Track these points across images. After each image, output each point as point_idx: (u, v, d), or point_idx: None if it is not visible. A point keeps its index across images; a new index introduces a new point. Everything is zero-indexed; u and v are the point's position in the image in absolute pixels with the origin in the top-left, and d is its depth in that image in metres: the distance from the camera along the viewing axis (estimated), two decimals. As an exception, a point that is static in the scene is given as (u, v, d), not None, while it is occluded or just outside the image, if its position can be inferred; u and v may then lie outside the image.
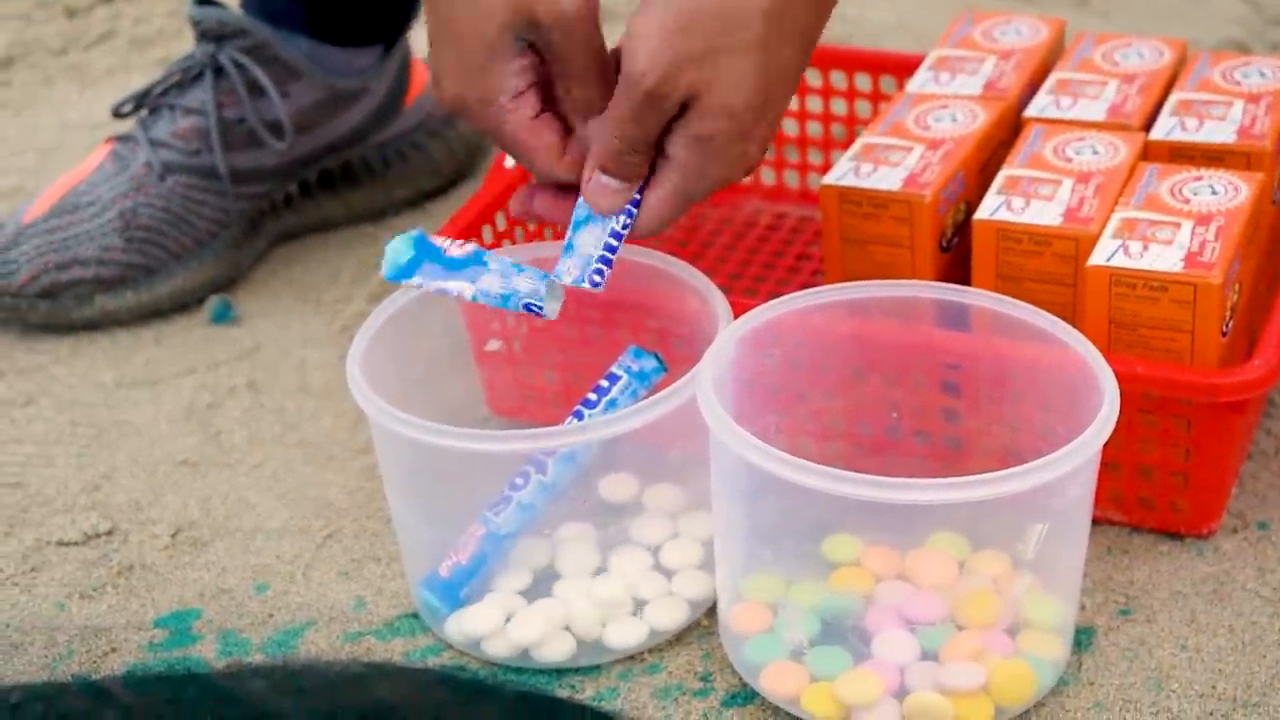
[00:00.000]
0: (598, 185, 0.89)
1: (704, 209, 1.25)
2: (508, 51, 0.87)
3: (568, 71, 0.88)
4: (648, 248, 0.97)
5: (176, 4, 1.61)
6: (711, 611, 0.94)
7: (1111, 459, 0.93)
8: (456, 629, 0.92)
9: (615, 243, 0.90)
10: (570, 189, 0.91)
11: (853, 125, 1.23)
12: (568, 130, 0.90)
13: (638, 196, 0.89)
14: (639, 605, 0.92)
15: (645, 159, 0.88)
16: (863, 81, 1.21)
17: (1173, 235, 0.92)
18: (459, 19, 0.87)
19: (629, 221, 0.90)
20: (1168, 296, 0.90)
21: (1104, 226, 0.94)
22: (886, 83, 1.20)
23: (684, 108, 0.86)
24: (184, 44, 1.54)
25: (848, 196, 0.99)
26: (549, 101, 0.90)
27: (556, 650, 0.91)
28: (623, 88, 0.85)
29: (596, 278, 0.90)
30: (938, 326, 0.93)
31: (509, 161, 1.10)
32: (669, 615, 0.92)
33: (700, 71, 0.84)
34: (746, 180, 1.14)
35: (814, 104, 1.24)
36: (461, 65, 0.88)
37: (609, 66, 0.88)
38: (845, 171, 1.00)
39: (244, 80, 1.22)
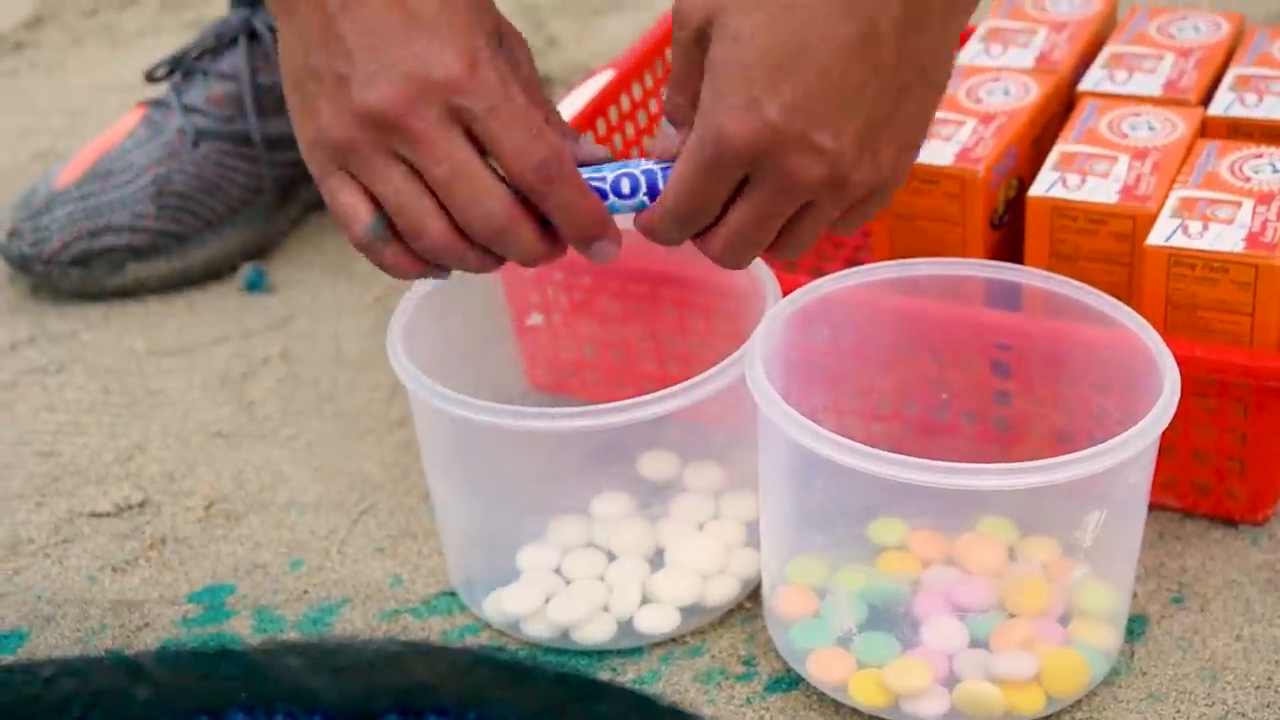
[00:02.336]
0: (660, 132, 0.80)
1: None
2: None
3: (507, 168, 0.78)
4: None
5: (208, -35, 1.59)
6: (754, 594, 0.92)
7: (1167, 443, 0.91)
8: (495, 608, 0.91)
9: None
10: None
11: (898, 96, 1.20)
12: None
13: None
14: (681, 584, 0.90)
15: (686, 101, 0.78)
16: (909, 52, 1.19)
17: (1233, 214, 0.90)
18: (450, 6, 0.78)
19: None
20: (1228, 278, 0.88)
21: (1162, 205, 0.92)
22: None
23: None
24: (215, 7, 1.52)
25: (898, 171, 0.97)
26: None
27: (597, 631, 0.90)
28: (690, 156, 0.77)
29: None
30: (989, 306, 0.91)
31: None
32: (715, 592, 0.90)
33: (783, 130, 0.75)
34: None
35: (859, 74, 1.21)
36: (453, 44, 0.77)
37: (547, 138, 0.78)
38: (895, 145, 0.98)
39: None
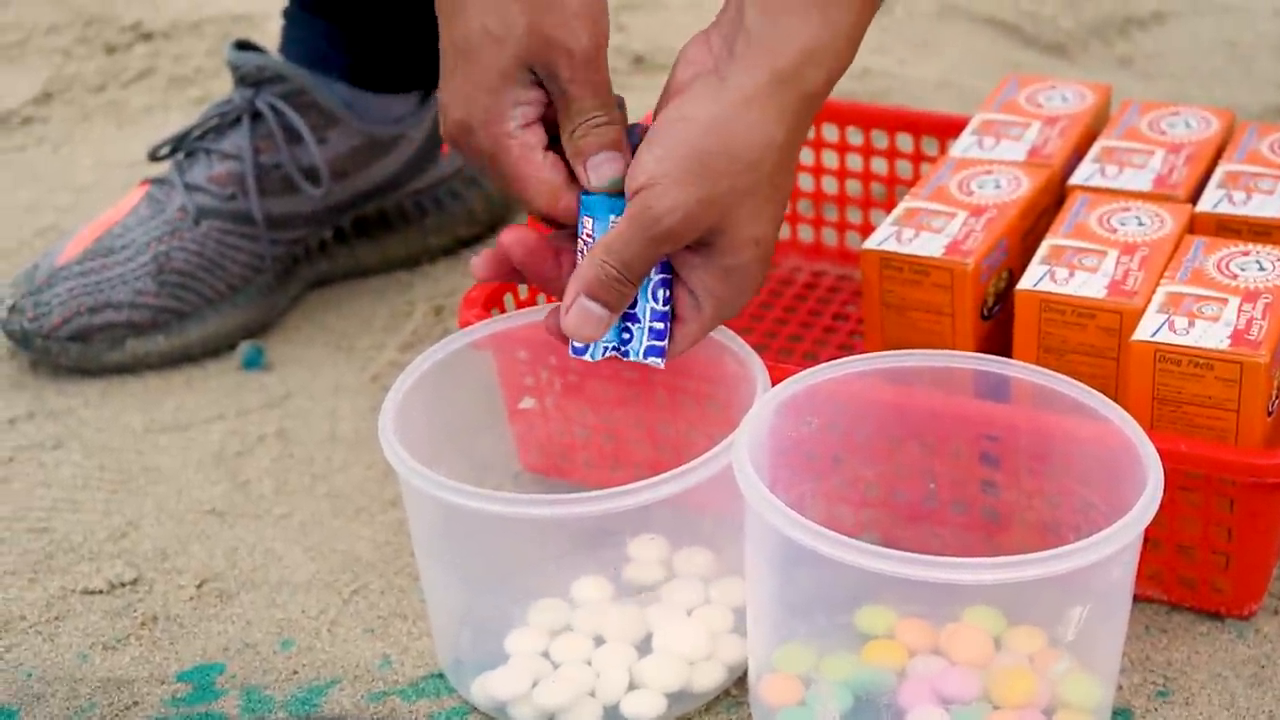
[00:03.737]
0: (582, 311, 0.87)
1: (741, 265, 1.24)
2: (520, 81, 0.87)
3: (571, 111, 0.87)
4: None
5: (215, 43, 1.61)
6: (741, 681, 0.93)
7: (1152, 537, 0.91)
8: (482, 691, 0.91)
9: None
10: (548, 242, 0.90)
11: (893, 185, 1.22)
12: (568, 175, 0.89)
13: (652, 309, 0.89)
14: (668, 670, 0.91)
15: (635, 289, 0.87)
16: (904, 141, 1.20)
17: (1219, 311, 0.91)
18: (473, 45, 0.86)
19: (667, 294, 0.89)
20: (1213, 374, 0.89)
21: (1149, 300, 0.93)
22: (928, 143, 1.19)
23: (701, 241, 0.86)
24: (223, 83, 1.54)
25: (889, 261, 0.98)
26: (553, 143, 0.89)
27: (584, 716, 0.90)
28: (634, 223, 0.85)
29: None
30: (978, 397, 0.91)
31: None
32: (702, 679, 0.90)
33: (721, 212, 0.84)
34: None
35: (854, 162, 1.23)
36: (471, 86, 0.87)
37: (613, 109, 0.88)
38: (887, 236, 0.99)
39: (281, 126, 1.22)
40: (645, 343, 0.88)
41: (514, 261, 0.90)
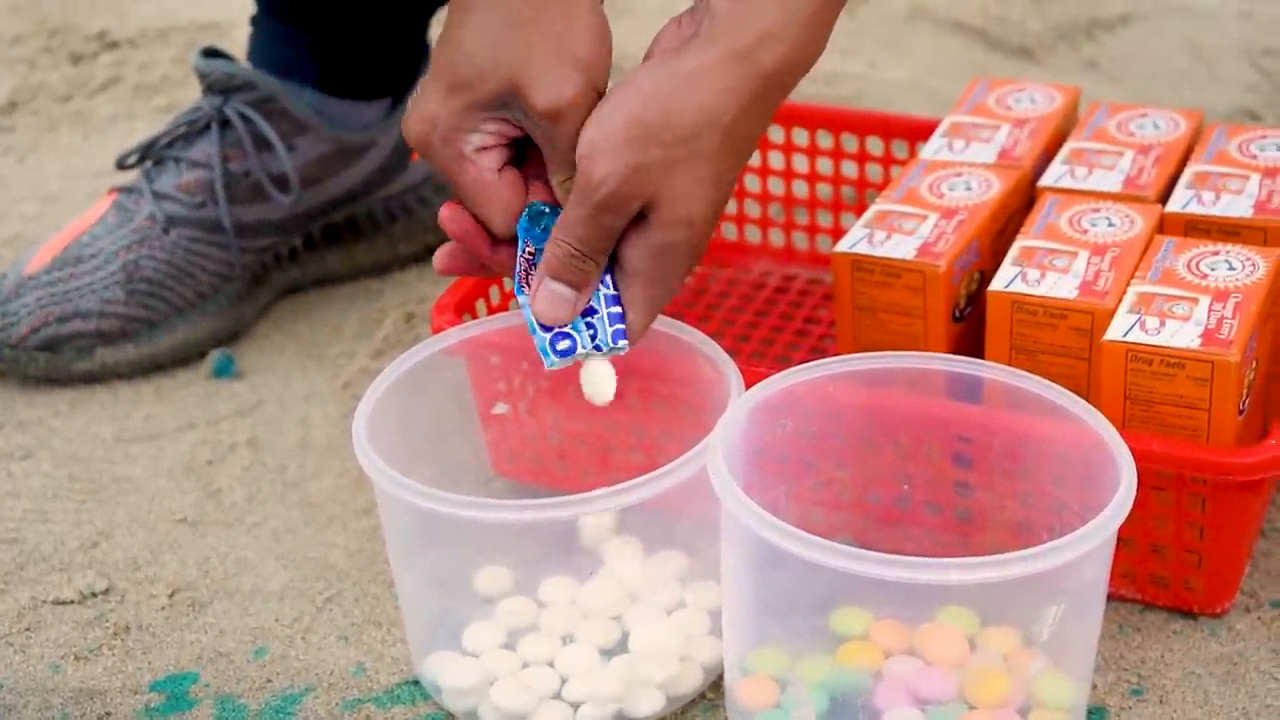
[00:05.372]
0: (547, 292, 0.87)
1: (711, 270, 1.24)
2: (488, 112, 0.86)
3: (557, 165, 0.87)
4: (661, 313, 0.96)
5: (181, 51, 1.60)
6: (716, 684, 0.92)
7: (1125, 536, 0.92)
8: (450, 695, 0.91)
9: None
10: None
11: (863, 188, 1.22)
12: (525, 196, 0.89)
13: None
14: (644, 673, 0.90)
15: (597, 266, 0.87)
16: (874, 145, 1.20)
17: (1190, 311, 0.91)
18: (458, 71, 0.86)
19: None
20: (1185, 373, 0.89)
21: (1120, 300, 0.93)
22: (898, 147, 1.19)
23: (640, 216, 0.85)
24: (189, 91, 1.53)
25: (860, 264, 0.98)
26: (516, 161, 0.89)
27: (555, 718, 0.90)
28: (577, 194, 0.85)
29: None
30: (950, 399, 0.92)
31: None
32: (678, 682, 0.90)
33: (656, 182, 0.84)
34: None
35: (824, 166, 1.23)
36: (439, 102, 0.86)
37: None
38: (858, 239, 0.99)
39: (250, 133, 1.21)
40: (609, 328, 0.88)
41: (451, 235, 0.90)
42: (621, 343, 0.88)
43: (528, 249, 0.88)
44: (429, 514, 0.86)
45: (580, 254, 0.86)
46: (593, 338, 0.88)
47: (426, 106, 0.87)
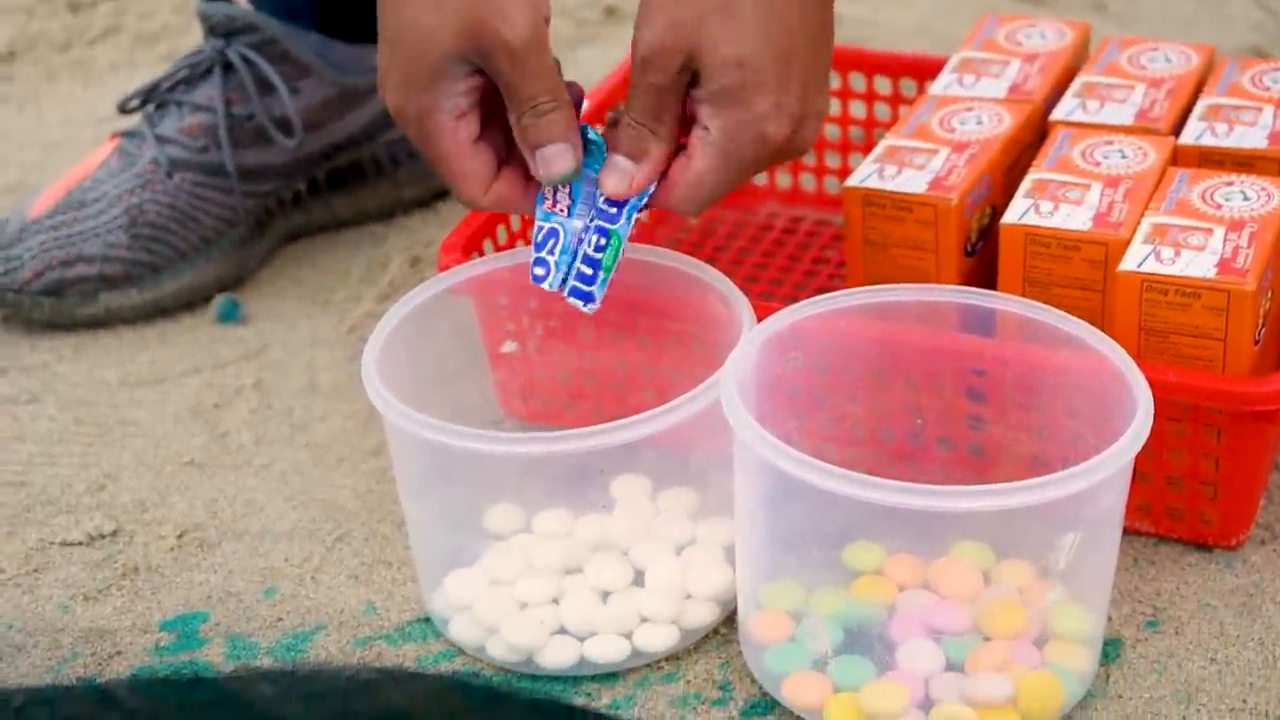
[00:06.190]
0: (609, 166, 0.88)
1: (719, 212, 1.23)
2: (452, 74, 0.86)
3: (515, 99, 0.86)
4: (669, 249, 0.96)
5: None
6: (730, 620, 0.92)
7: (1140, 469, 0.91)
8: (460, 630, 0.90)
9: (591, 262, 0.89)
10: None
11: (871, 129, 1.21)
12: (502, 159, 0.89)
13: (614, 211, 0.89)
14: (657, 607, 0.90)
15: (653, 135, 0.87)
16: (882, 84, 1.20)
17: (1205, 241, 0.90)
18: (405, 37, 0.86)
19: (604, 242, 0.89)
20: (1200, 303, 0.88)
21: (1134, 232, 0.92)
22: (906, 86, 1.19)
23: (696, 76, 0.85)
24: (189, 39, 1.52)
25: (871, 199, 0.97)
26: (490, 122, 0.89)
27: (566, 655, 0.89)
28: (632, 67, 0.86)
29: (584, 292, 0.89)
30: (964, 331, 0.91)
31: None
32: (692, 616, 0.90)
33: (693, 31, 0.84)
34: (792, 161, 1.09)
35: (832, 106, 1.21)
36: (405, 79, 0.86)
37: (560, 93, 0.87)
38: (869, 174, 0.98)
39: (253, 77, 1.20)
40: (574, 282, 0.89)
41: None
42: (577, 302, 0.89)
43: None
44: (440, 449, 0.85)
45: (635, 122, 0.86)
46: (563, 280, 0.89)
47: (390, 81, 0.87)
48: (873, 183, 0.98)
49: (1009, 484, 0.78)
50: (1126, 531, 0.94)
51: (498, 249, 1.05)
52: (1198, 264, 0.89)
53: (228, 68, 1.21)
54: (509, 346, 1.02)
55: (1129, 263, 0.90)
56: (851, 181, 0.98)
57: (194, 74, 1.21)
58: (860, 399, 0.94)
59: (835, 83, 1.21)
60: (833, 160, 1.23)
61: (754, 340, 0.88)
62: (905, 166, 0.98)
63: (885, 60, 1.19)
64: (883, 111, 1.21)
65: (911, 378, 0.93)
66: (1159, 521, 0.95)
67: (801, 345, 0.90)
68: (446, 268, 0.98)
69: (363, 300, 1.21)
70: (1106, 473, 0.79)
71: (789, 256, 1.19)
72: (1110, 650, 0.89)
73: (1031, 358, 0.89)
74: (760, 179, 1.24)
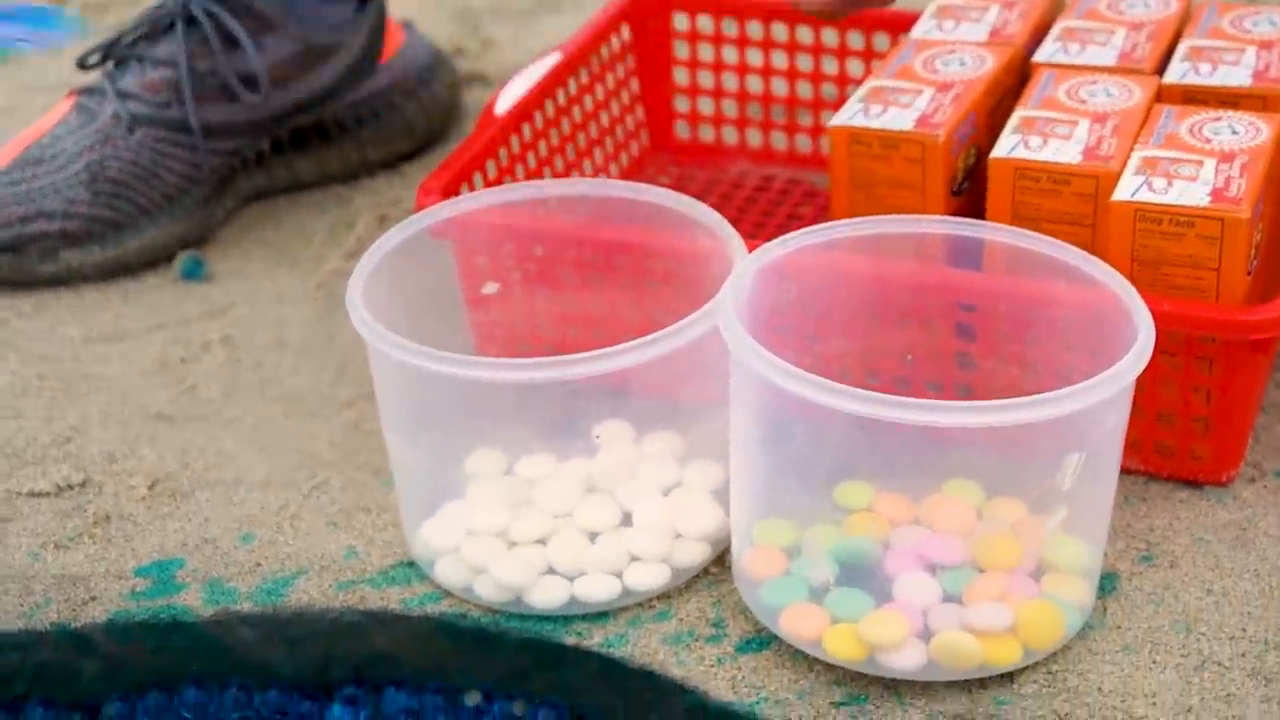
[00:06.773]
0: None
1: (690, 170, 1.22)
2: None
3: None
4: (650, 185, 0.94)
5: (133, -30, 1.56)
6: (720, 560, 0.91)
7: (1132, 404, 0.90)
8: (445, 570, 0.89)
9: None
10: None
11: (844, 85, 1.20)
12: None
13: None
14: (648, 545, 0.88)
15: None
16: (855, 39, 1.19)
17: (1196, 172, 0.90)
18: None
19: None
20: (1194, 232, 0.88)
21: (1124, 165, 0.92)
22: (880, 40, 1.18)
23: None
24: (139, 7, 1.49)
25: (858, 137, 0.96)
26: None
27: (555, 594, 0.88)
28: None
29: None
30: (956, 264, 0.90)
31: (499, 107, 1.07)
32: (683, 554, 0.88)
33: None
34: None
35: (804, 62, 1.21)
36: None
37: None
38: (855, 112, 0.97)
39: (217, 31, 1.18)
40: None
41: None
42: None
43: None
44: (427, 379, 0.84)
45: None
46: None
47: None
48: (859, 121, 0.97)
49: (1010, 400, 0.77)
50: (1118, 468, 0.93)
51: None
52: (1191, 193, 0.89)
53: (191, 21, 1.18)
54: (490, 288, 1.00)
55: (1122, 193, 0.89)
56: (837, 120, 0.97)
57: (156, 29, 1.19)
58: (851, 336, 0.93)
59: (808, 37, 1.20)
60: (805, 119, 1.22)
61: (747, 269, 0.87)
62: (891, 105, 0.97)
63: (858, 15, 1.18)
64: (855, 68, 1.20)
65: (903, 312, 0.92)
66: (1149, 459, 0.94)
67: (795, 277, 0.89)
68: (424, 209, 0.96)
69: (329, 259, 1.18)
70: (1111, 391, 0.78)
71: (762, 213, 1.18)
72: (1106, 584, 0.88)
73: (1025, 289, 0.88)
74: (731, 138, 1.23)
